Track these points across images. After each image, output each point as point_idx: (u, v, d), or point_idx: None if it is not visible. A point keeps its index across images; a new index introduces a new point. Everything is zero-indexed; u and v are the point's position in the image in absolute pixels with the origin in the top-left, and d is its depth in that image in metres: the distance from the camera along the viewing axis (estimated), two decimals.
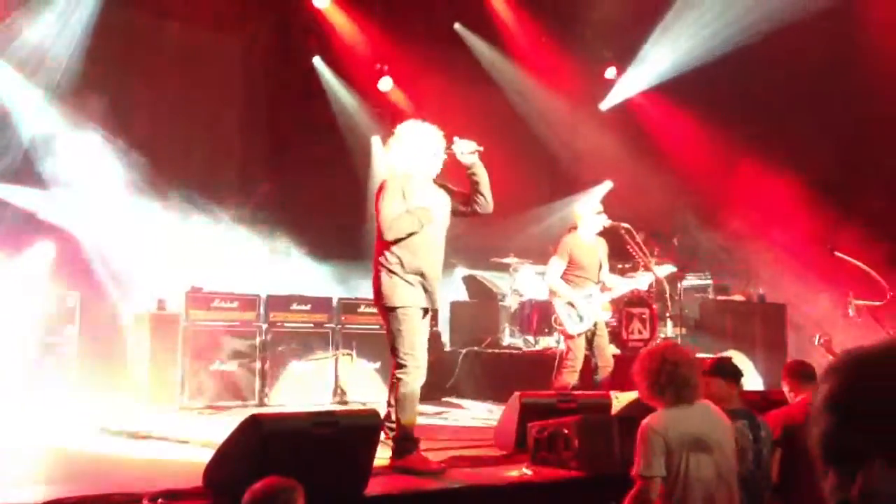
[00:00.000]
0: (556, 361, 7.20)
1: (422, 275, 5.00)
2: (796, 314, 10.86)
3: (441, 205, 5.22)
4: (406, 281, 4.96)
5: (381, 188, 5.07)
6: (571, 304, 6.97)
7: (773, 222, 11.57)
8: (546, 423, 5.25)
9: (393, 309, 4.95)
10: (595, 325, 7.05)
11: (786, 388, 4.75)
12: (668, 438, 3.47)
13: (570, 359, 6.96)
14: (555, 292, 7.07)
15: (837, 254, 8.83)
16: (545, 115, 13.15)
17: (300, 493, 3.06)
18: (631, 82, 13.27)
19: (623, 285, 7.57)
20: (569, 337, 7.00)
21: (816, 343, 6.50)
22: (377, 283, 5.02)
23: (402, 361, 4.96)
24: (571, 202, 13.13)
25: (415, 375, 4.97)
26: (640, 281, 7.78)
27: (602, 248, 7.34)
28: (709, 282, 11.02)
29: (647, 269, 8.21)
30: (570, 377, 6.92)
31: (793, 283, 10.96)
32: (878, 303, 9.53)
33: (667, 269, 7.78)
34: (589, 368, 7.14)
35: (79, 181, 9.00)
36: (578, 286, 7.07)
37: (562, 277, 7.07)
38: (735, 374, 4.27)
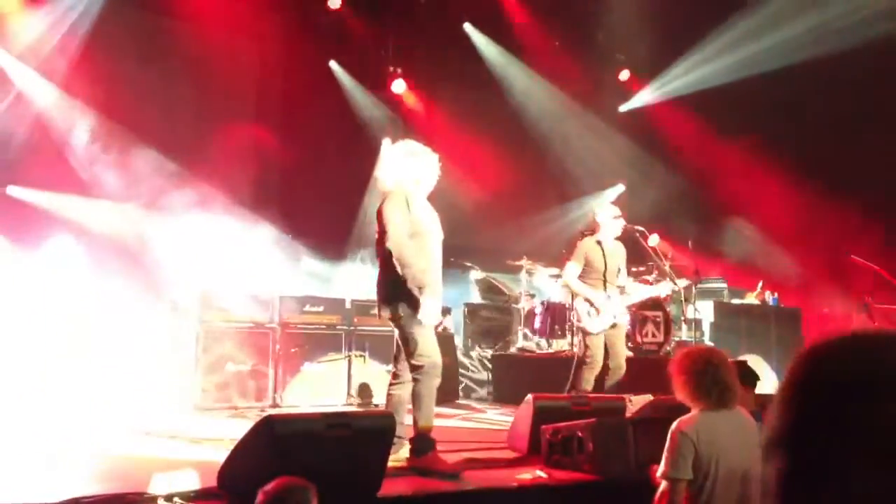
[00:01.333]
0: (575, 361, 7.29)
1: (429, 283, 5.05)
2: (811, 318, 10.81)
3: (437, 221, 5.32)
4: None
5: (387, 197, 5.11)
6: (590, 302, 7.08)
7: (790, 227, 11.52)
8: (559, 426, 5.24)
9: (404, 315, 4.99)
10: (613, 325, 7.12)
11: None
12: (697, 442, 3.46)
13: (590, 356, 7.06)
14: (575, 292, 7.21)
15: (854, 258, 8.80)
16: (558, 116, 13.13)
17: (313, 494, 3.06)
18: (653, 90, 13.27)
19: (643, 292, 7.65)
20: (588, 334, 7.09)
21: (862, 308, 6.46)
22: (384, 291, 5.04)
23: (419, 363, 4.99)
24: (583, 204, 13.15)
25: (431, 375, 5.01)
26: (660, 289, 7.86)
27: (620, 252, 7.41)
28: (724, 285, 10.96)
29: (662, 275, 8.31)
30: (590, 374, 7.03)
31: (808, 286, 10.90)
32: (894, 306, 9.49)
33: (684, 282, 7.82)
34: (602, 371, 7.17)
35: (96, 181, 9.05)
36: (594, 289, 7.17)
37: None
38: (752, 378, 4.26)
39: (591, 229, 7.48)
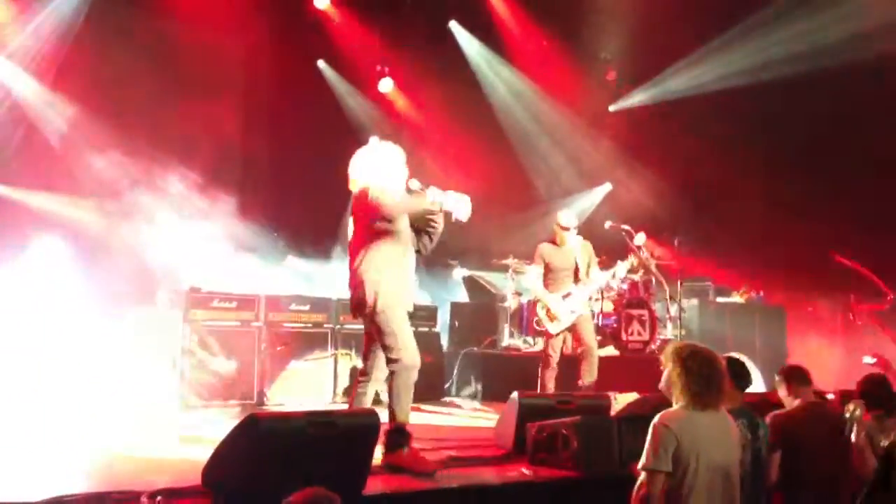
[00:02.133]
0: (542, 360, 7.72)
1: (403, 278, 5.15)
2: (796, 316, 10.88)
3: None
4: (391, 281, 5.05)
5: (365, 192, 5.12)
6: (547, 307, 7.57)
7: (774, 225, 11.60)
8: (545, 424, 5.26)
9: (382, 311, 5.01)
10: (577, 318, 7.54)
11: (782, 392, 4.78)
12: (680, 438, 3.50)
13: (550, 355, 7.60)
14: (536, 298, 7.80)
15: (839, 257, 8.86)
16: (544, 115, 13.15)
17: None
18: (642, 90, 13.31)
19: (600, 278, 7.90)
20: (549, 336, 7.59)
21: (866, 362, 6.56)
22: (361, 289, 5.06)
23: (396, 356, 5.01)
24: (570, 203, 13.19)
25: (410, 368, 5.02)
26: (617, 269, 8.01)
27: (582, 250, 7.77)
28: (708, 284, 11.02)
29: (648, 274, 8.51)
30: (550, 373, 7.56)
31: (792, 285, 10.98)
32: (880, 307, 9.57)
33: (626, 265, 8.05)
34: (578, 358, 7.54)
35: (81, 180, 9.01)
36: (558, 288, 7.63)
37: (544, 282, 7.70)
38: (736, 375, 4.33)
39: (552, 234, 7.87)
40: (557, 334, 7.55)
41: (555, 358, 7.58)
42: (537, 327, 7.83)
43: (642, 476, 3.57)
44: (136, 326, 8.03)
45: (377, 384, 5.26)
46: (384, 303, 5.02)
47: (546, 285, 7.66)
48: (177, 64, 10.12)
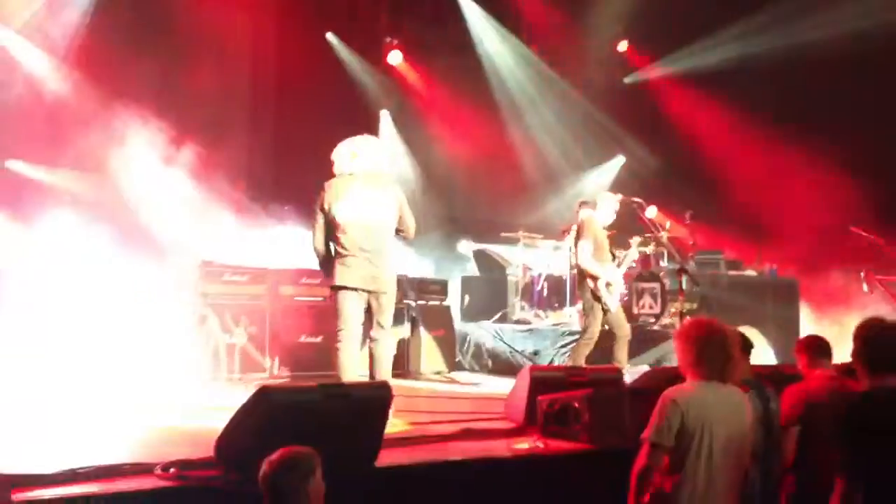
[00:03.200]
0: (580, 339, 7.58)
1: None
2: (809, 289, 10.81)
3: (375, 202, 5.82)
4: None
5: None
6: (609, 283, 7.41)
7: (790, 198, 11.51)
8: (556, 397, 5.26)
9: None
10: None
11: (800, 363, 4.65)
12: (686, 413, 3.47)
13: (593, 335, 7.44)
14: (594, 275, 7.43)
15: (854, 228, 8.78)
16: (554, 87, 13.04)
17: (317, 462, 3.05)
18: (657, 63, 13.18)
19: (627, 258, 8.00)
20: (606, 312, 7.43)
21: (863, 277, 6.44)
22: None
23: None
24: (581, 177, 13.12)
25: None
26: (629, 255, 8.14)
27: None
28: (720, 257, 10.96)
29: (660, 246, 8.56)
30: (588, 350, 7.41)
31: (806, 257, 10.90)
32: (893, 279, 9.50)
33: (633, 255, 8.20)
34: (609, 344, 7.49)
35: (90, 157, 8.98)
36: (603, 265, 7.50)
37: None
38: (746, 347, 4.24)
39: (590, 206, 7.78)
40: (616, 309, 7.46)
41: (596, 336, 7.44)
42: (595, 302, 7.43)
43: (644, 447, 3.55)
44: (149, 301, 8.05)
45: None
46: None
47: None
48: (182, 37, 10.04)
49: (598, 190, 9.69)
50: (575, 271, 8.42)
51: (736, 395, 3.67)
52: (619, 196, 7.88)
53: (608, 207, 7.72)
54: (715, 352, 3.57)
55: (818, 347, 4.57)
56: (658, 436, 3.48)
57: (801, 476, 4.21)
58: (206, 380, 7.63)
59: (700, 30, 12.21)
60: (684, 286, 8.01)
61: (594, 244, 7.47)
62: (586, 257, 7.45)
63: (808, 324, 10.22)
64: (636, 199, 8.43)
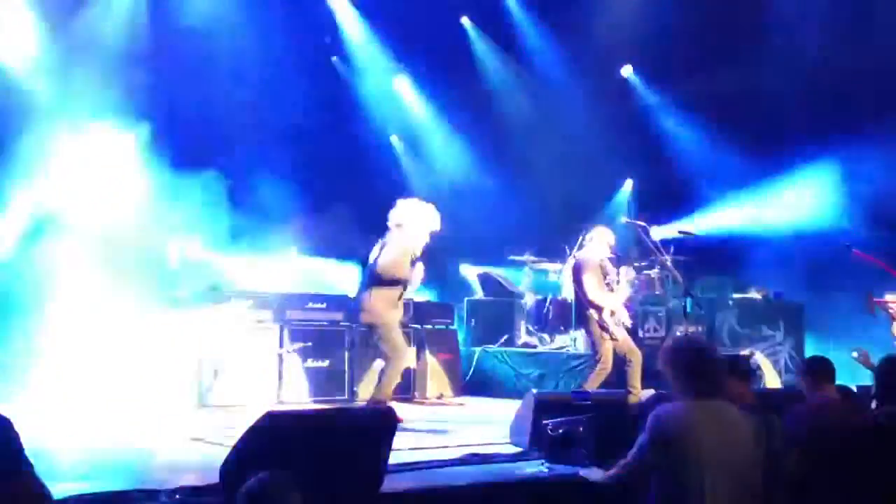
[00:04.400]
0: (596, 366, 7.55)
1: None
2: (814, 312, 10.79)
3: None
4: None
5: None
6: (612, 312, 7.51)
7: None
8: (561, 420, 5.26)
9: None
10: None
11: (804, 385, 4.66)
12: (671, 431, 3.41)
13: (605, 362, 7.45)
14: (601, 305, 7.53)
15: (856, 251, 8.78)
16: (558, 112, 13.10)
17: (290, 487, 2.98)
18: (658, 87, 13.25)
19: (626, 287, 7.97)
20: (615, 341, 7.47)
21: (854, 356, 6.41)
22: None
23: None
24: (587, 202, 13.14)
25: None
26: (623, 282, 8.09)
27: None
28: (725, 280, 10.96)
29: (665, 269, 8.64)
30: (602, 379, 7.43)
31: (811, 280, 10.89)
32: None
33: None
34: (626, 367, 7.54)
35: (89, 169, 8.95)
36: (606, 296, 7.60)
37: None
38: (747, 372, 4.27)
39: (593, 238, 7.88)
40: (623, 337, 7.56)
41: (610, 364, 7.50)
42: (603, 333, 7.55)
43: (622, 462, 3.58)
44: (150, 324, 8.03)
45: None
46: None
47: None
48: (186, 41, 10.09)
49: (604, 215, 9.67)
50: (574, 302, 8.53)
51: (729, 412, 3.57)
52: (623, 220, 8.09)
53: (602, 241, 7.83)
54: (694, 367, 3.54)
55: (822, 369, 4.58)
56: (639, 453, 3.49)
57: (805, 497, 4.20)
58: (212, 405, 7.63)
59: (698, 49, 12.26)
60: (689, 309, 8.00)
61: (595, 277, 7.61)
62: (592, 289, 7.57)
63: (814, 347, 10.20)
64: (640, 223, 8.46)
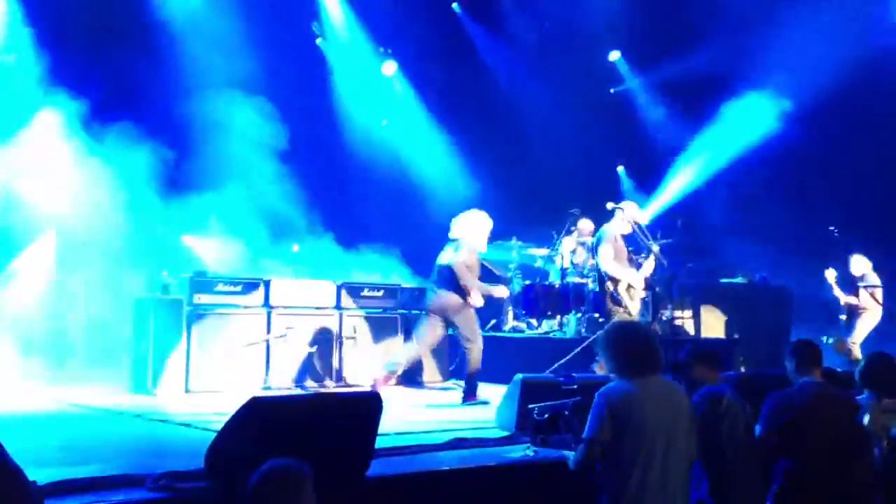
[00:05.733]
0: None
1: None
2: (802, 298, 10.83)
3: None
4: None
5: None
6: (630, 287, 7.55)
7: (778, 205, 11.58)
8: (547, 405, 5.25)
9: None
10: None
11: (790, 368, 4.65)
12: (615, 409, 3.64)
13: None
14: (615, 278, 7.56)
15: (837, 235, 8.85)
16: (546, 98, 13.08)
17: (308, 476, 2.99)
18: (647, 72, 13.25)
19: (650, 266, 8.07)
20: (628, 314, 7.49)
21: (826, 342, 6.45)
22: None
23: None
24: (573, 185, 13.12)
25: None
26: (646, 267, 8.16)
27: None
28: (712, 264, 10.98)
29: (649, 250, 8.63)
30: None
31: (796, 264, 10.93)
32: (877, 285, 9.58)
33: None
34: None
35: (75, 166, 8.92)
36: (625, 270, 7.67)
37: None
38: (713, 360, 4.46)
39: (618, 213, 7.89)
40: (637, 314, 7.62)
41: None
42: (616, 307, 7.57)
43: (581, 446, 3.73)
44: (140, 311, 8.01)
45: None
46: None
47: None
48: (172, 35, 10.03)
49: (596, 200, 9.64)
50: (572, 280, 8.51)
51: (667, 387, 3.81)
52: (609, 206, 7.99)
53: (626, 216, 7.86)
54: (627, 347, 3.80)
55: (807, 353, 4.58)
56: (590, 432, 3.67)
57: (789, 479, 4.24)
58: (200, 391, 7.61)
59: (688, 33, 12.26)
60: (675, 295, 8.05)
61: (614, 250, 7.62)
62: (608, 261, 7.61)
63: (801, 332, 10.25)
64: (619, 206, 8.46)
